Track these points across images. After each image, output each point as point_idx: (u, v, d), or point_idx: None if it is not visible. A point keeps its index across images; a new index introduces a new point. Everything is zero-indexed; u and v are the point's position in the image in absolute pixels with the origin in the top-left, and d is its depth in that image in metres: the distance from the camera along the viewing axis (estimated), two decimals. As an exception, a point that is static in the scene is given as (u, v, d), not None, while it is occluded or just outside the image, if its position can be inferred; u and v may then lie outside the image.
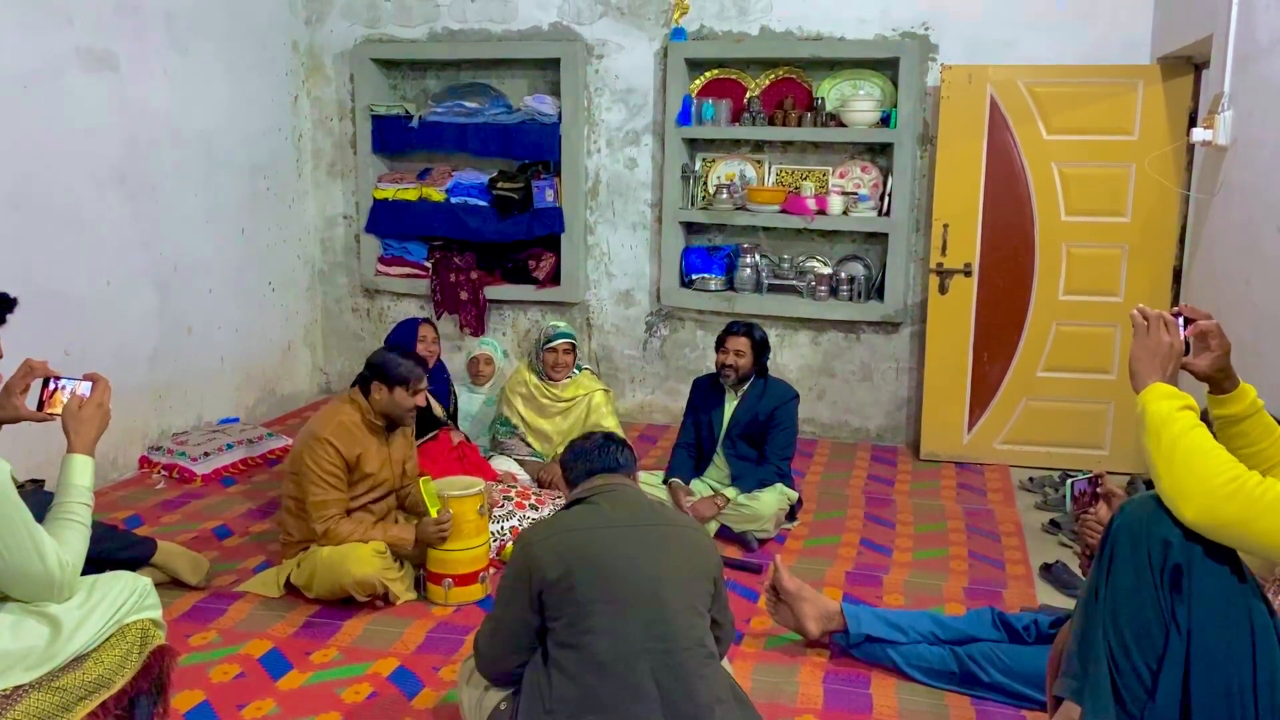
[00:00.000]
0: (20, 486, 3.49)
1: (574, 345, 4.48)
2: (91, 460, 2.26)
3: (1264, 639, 1.81)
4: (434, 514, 3.38)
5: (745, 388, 4.16)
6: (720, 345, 4.13)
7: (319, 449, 3.38)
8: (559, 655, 2.13)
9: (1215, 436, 1.89)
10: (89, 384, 2.32)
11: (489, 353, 4.81)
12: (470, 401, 4.72)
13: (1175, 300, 4.74)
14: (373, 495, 3.53)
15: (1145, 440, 1.89)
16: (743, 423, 4.13)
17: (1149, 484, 1.90)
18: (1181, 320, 2.00)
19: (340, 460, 3.39)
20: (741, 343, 4.07)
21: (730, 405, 4.17)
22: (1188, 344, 2.00)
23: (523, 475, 4.36)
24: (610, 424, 4.45)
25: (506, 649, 2.23)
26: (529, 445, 4.47)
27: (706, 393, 4.26)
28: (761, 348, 4.11)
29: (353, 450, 3.43)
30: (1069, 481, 3.10)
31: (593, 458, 2.41)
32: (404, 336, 4.38)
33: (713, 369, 4.25)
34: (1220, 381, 2.02)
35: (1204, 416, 1.98)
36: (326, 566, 3.31)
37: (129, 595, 2.30)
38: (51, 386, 2.35)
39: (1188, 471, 1.80)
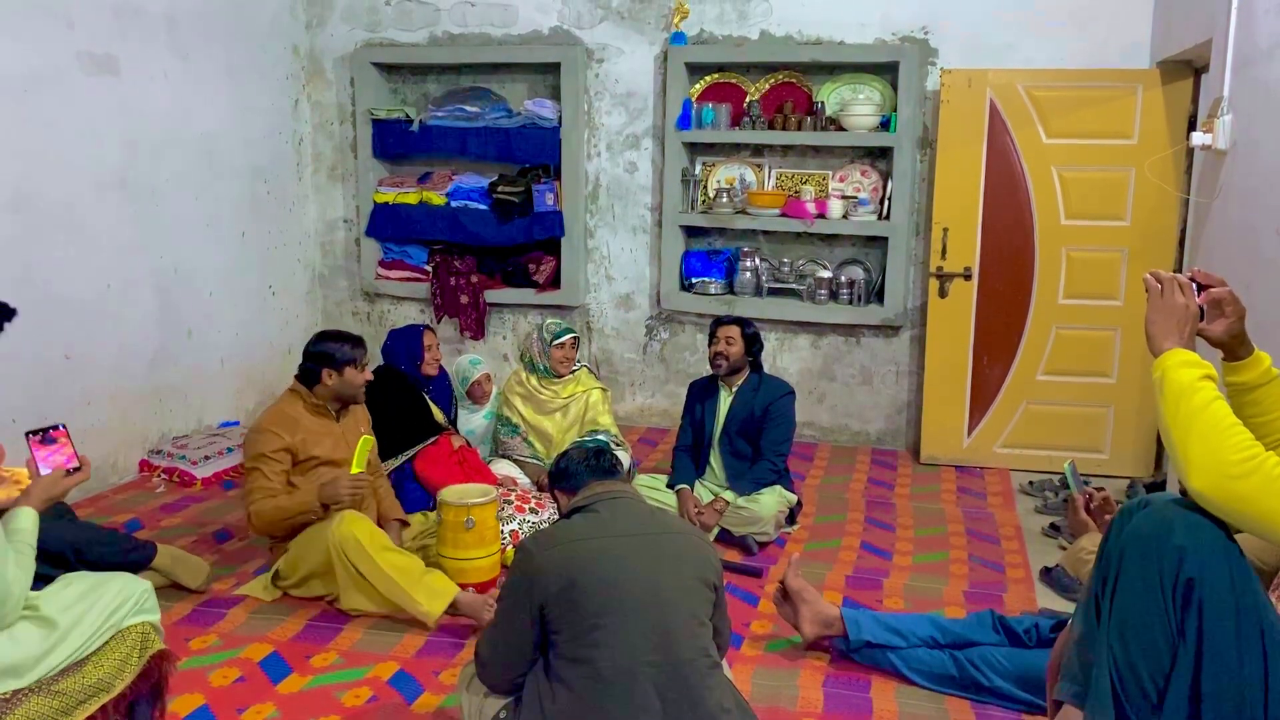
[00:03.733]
0: (20, 490, 3.50)
1: (578, 339, 4.52)
2: (37, 515, 2.24)
3: (1275, 647, 1.78)
4: (354, 471, 3.38)
5: (740, 383, 4.17)
6: (712, 336, 4.19)
7: (255, 438, 3.43)
8: (561, 668, 2.11)
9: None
10: (75, 465, 2.32)
11: (485, 372, 4.71)
12: (468, 420, 4.68)
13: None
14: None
15: (1163, 406, 1.84)
16: (739, 418, 4.14)
17: (1149, 487, 1.90)
18: (1195, 286, 1.96)
19: (279, 447, 3.40)
20: (733, 330, 4.13)
21: (725, 401, 4.19)
22: (1202, 310, 1.96)
23: (523, 479, 4.36)
24: (606, 421, 4.46)
25: (507, 659, 2.22)
26: (531, 446, 4.47)
27: (702, 391, 4.30)
28: (752, 339, 4.16)
29: (295, 434, 3.44)
30: (1067, 464, 3.10)
31: (588, 465, 2.40)
32: (408, 344, 4.37)
33: (711, 373, 4.27)
34: (1235, 348, 2.00)
35: None
36: (312, 534, 3.34)
37: (127, 597, 2.30)
38: (50, 443, 2.32)
39: (1204, 444, 1.76)
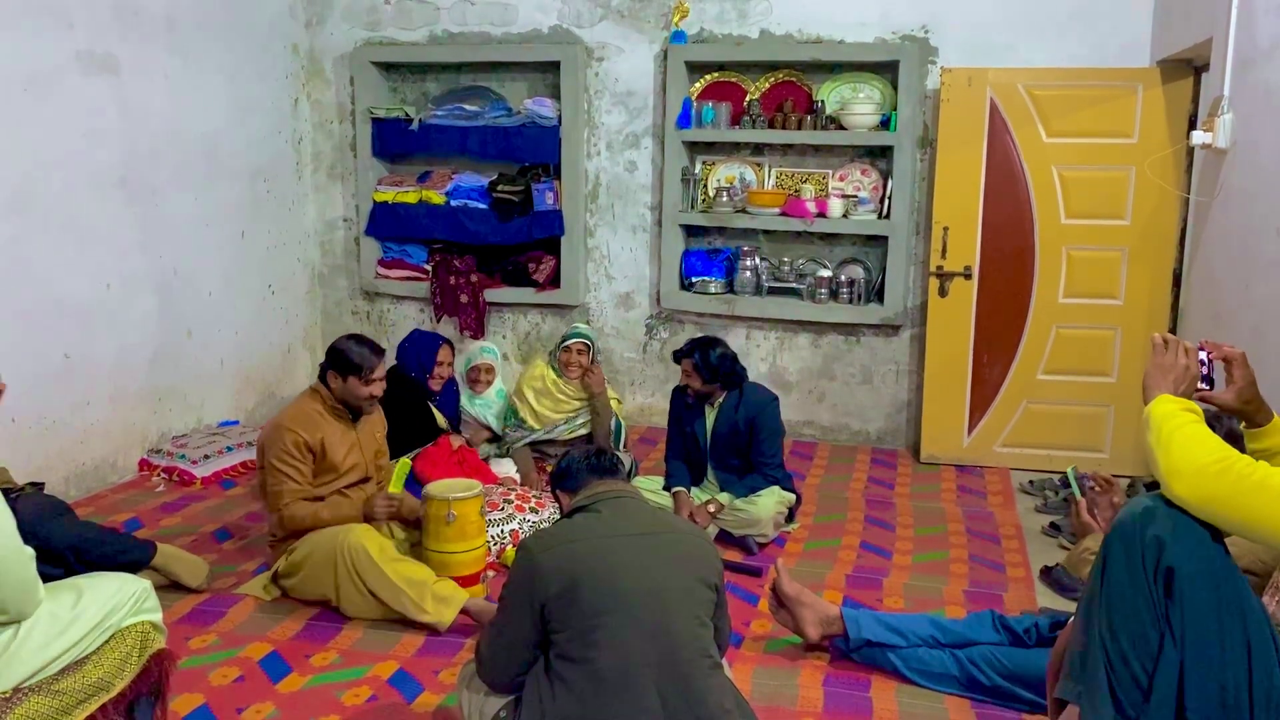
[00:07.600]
0: (20, 489, 3.51)
1: (588, 346, 4.58)
2: None
3: (1259, 638, 1.82)
4: (391, 489, 3.39)
5: (721, 399, 4.12)
6: (678, 364, 4.15)
7: (278, 436, 3.38)
8: (561, 667, 2.11)
9: None
10: None
11: (490, 362, 4.82)
12: (480, 416, 4.74)
13: (1175, 304, 4.75)
14: (346, 480, 3.51)
15: (1148, 437, 1.94)
16: (724, 436, 4.10)
17: (1149, 485, 1.92)
18: (1205, 354, 2.05)
19: (301, 446, 3.37)
20: (686, 365, 4.06)
21: (710, 418, 4.15)
22: (1212, 379, 2.04)
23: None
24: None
25: (508, 658, 2.22)
26: (532, 429, 4.54)
27: (687, 405, 4.22)
28: (714, 368, 4.00)
29: (315, 435, 3.41)
30: (1070, 469, 3.11)
31: (590, 465, 2.40)
32: (420, 355, 4.39)
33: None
34: (1252, 415, 2.07)
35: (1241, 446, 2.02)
36: (320, 540, 3.33)
37: (125, 596, 2.29)
38: None
39: (1181, 452, 1.86)
